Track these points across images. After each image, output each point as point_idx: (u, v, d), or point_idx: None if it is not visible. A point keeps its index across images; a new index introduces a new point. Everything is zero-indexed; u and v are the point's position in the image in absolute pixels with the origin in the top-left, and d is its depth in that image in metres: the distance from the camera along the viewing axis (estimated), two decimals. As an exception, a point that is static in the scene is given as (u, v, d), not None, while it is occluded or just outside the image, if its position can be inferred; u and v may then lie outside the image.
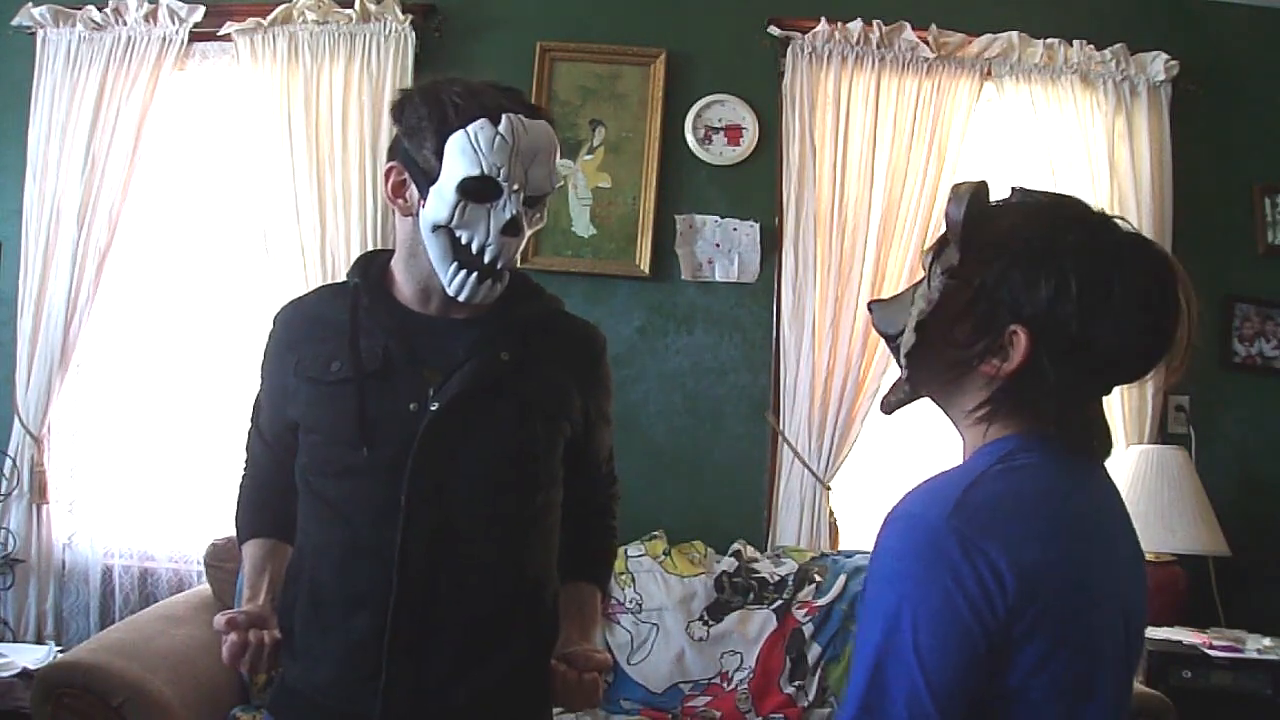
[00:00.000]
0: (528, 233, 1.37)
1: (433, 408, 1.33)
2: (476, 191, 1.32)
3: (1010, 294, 0.97)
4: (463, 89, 1.33)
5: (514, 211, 1.33)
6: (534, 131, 1.33)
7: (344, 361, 1.37)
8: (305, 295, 1.56)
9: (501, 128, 1.30)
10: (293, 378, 1.42)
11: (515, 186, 1.32)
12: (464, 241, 1.34)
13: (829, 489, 3.03)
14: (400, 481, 1.31)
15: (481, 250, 1.33)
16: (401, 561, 1.31)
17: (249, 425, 1.54)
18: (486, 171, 1.30)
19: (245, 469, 1.55)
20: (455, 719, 1.35)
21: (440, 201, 1.32)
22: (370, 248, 3.01)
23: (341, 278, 2.81)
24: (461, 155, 1.30)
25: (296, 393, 1.41)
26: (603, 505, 1.59)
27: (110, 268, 3.10)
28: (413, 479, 1.32)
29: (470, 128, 1.30)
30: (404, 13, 3.07)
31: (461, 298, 1.36)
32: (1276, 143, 3.29)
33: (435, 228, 1.34)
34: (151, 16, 3.11)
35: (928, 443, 3.17)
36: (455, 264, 1.35)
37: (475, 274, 1.34)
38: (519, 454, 1.38)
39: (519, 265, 1.51)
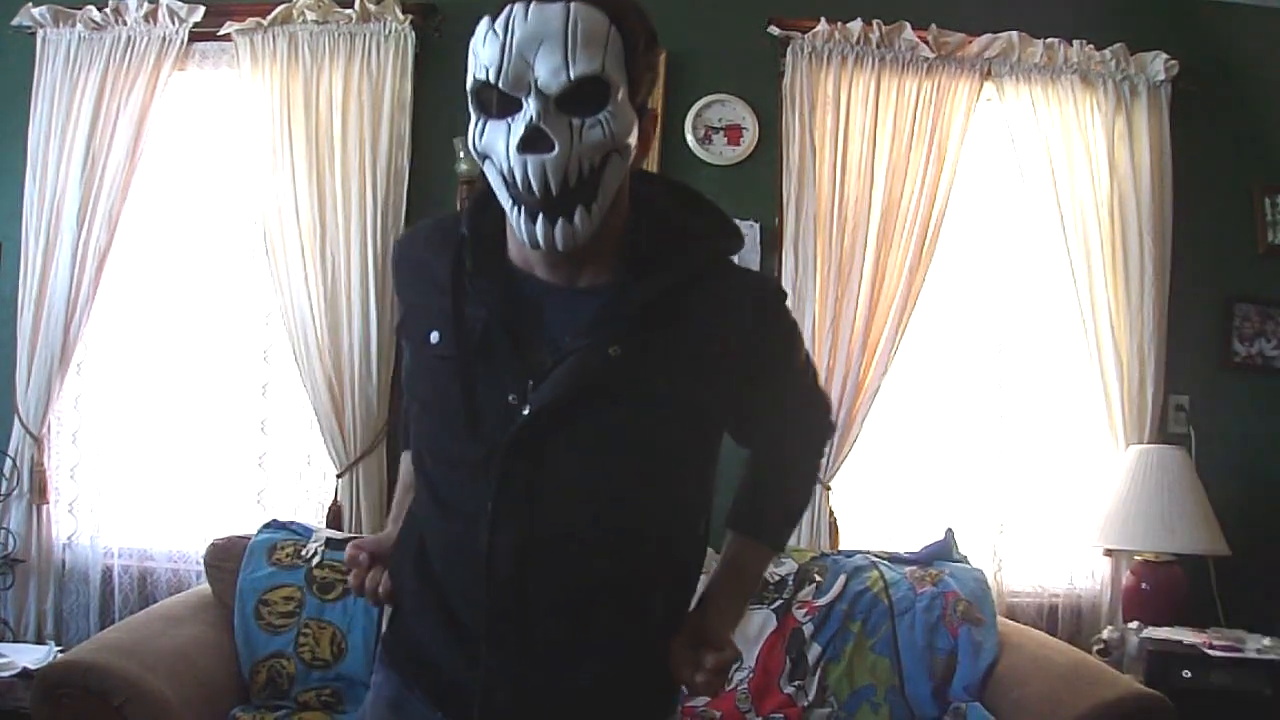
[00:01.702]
0: (578, 144, 1.08)
1: (524, 411, 1.13)
2: (485, 103, 1.11)
3: None
4: None
5: (529, 119, 1.06)
6: (538, 15, 1.07)
7: (443, 333, 1.18)
8: (421, 225, 1.33)
9: (497, 22, 1.09)
10: (402, 322, 1.28)
11: (520, 89, 1.07)
12: (501, 170, 1.10)
13: (829, 489, 3.03)
14: (489, 486, 1.14)
15: (514, 177, 1.09)
16: (489, 570, 1.14)
17: None
18: (477, 76, 1.10)
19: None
20: (556, 714, 1.21)
21: (470, 128, 1.13)
22: (370, 248, 3.01)
23: (342, 279, 2.72)
24: (470, 63, 1.11)
25: (404, 348, 1.28)
26: (793, 455, 1.38)
27: (110, 268, 3.09)
28: (502, 484, 1.13)
29: (476, 31, 1.11)
30: (404, 13, 3.07)
31: (528, 243, 1.12)
32: (1276, 143, 3.29)
33: (479, 157, 1.13)
34: (151, 16, 3.11)
35: (928, 443, 3.18)
36: (510, 200, 1.11)
37: (524, 210, 1.09)
38: (631, 465, 1.16)
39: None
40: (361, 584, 1.27)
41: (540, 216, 1.09)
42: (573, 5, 1.07)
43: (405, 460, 1.37)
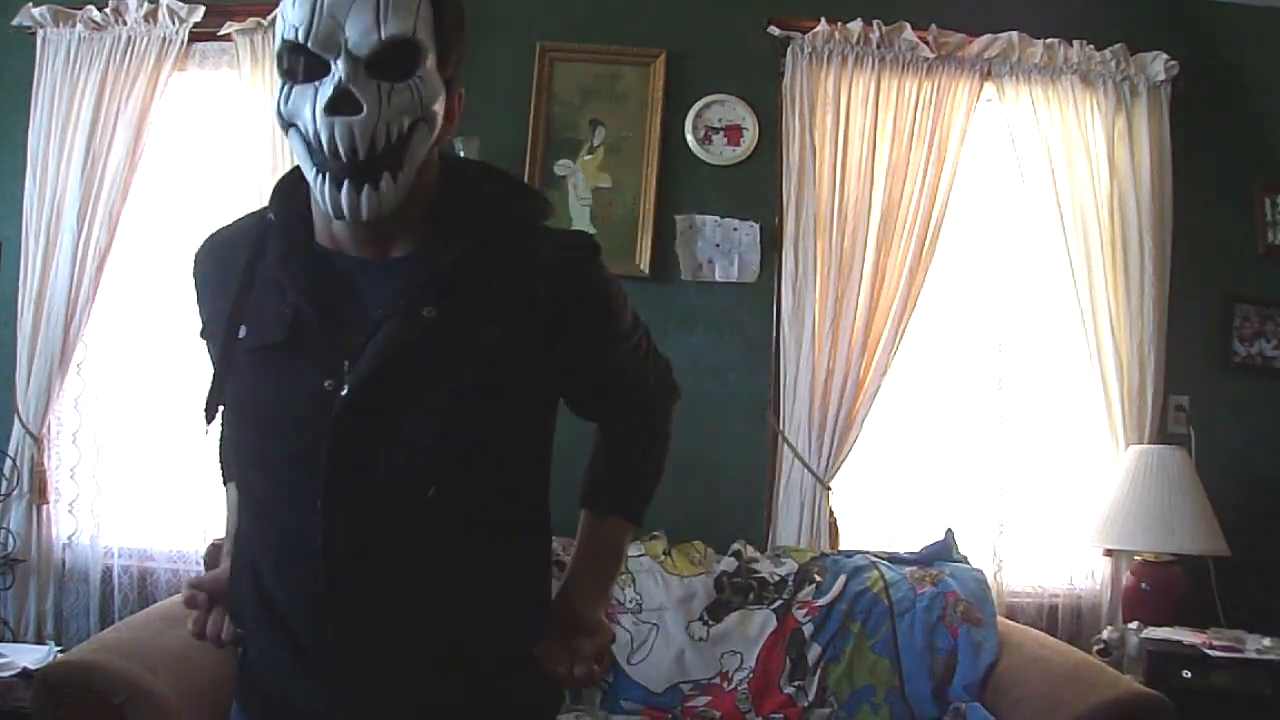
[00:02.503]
0: (385, 109, 1.04)
1: (343, 391, 1.07)
2: (293, 66, 1.06)
3: None
4: None
5: (337, 80, 1.03)
6: None
7: (250, 325, 1.12)
8: (225, 227, 1.25)
9: None
10: (203, 335, 1.20)
11: (330, 50, 1.03)
12: (306, 135, 1.06)
13: (829, 489, 3.03)
14: (316, 480, 1.07)
15: (320, 142, 1.04)
16: (327, 567, 1.08)
17: None
18: (286, 36, 1.05)
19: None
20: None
21: (275, 92, 1.08)
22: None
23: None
24: (278, 25, 1.07)
25: (206, 354, 1.20)
26: (638, 423, 1.34)
27: (110, 268, 3.09)
28: (329, 474, 1.07)
29: None
30: (404, 13, 3.07)
31: (332, 212, 1.07)
32: (1276, 143, 3.29)
33: (284, 125, 1.09)
34: (151, 16, 3.11)
35: (928, 443, 3.18)
36: (315, 169, 1.06)
37: (329, 176, 1.05)
38: (456, 439, 1.09)
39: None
40: (203, 629, 1.19)
41: (346, 183, 1.05)
42: None
43: (230, 491, 1.32)
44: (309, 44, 1.04)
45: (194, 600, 1.19)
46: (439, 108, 1.10)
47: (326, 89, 1.03)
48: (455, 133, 1.20)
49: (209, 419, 1.17)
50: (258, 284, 1.13)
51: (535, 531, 1.23)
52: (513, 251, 1.14)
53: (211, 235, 1.25)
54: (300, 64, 1.06)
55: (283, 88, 1.07)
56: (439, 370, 1.09)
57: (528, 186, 1.27)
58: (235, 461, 1.22)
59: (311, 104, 1.04)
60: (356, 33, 1.03)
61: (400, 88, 1.05)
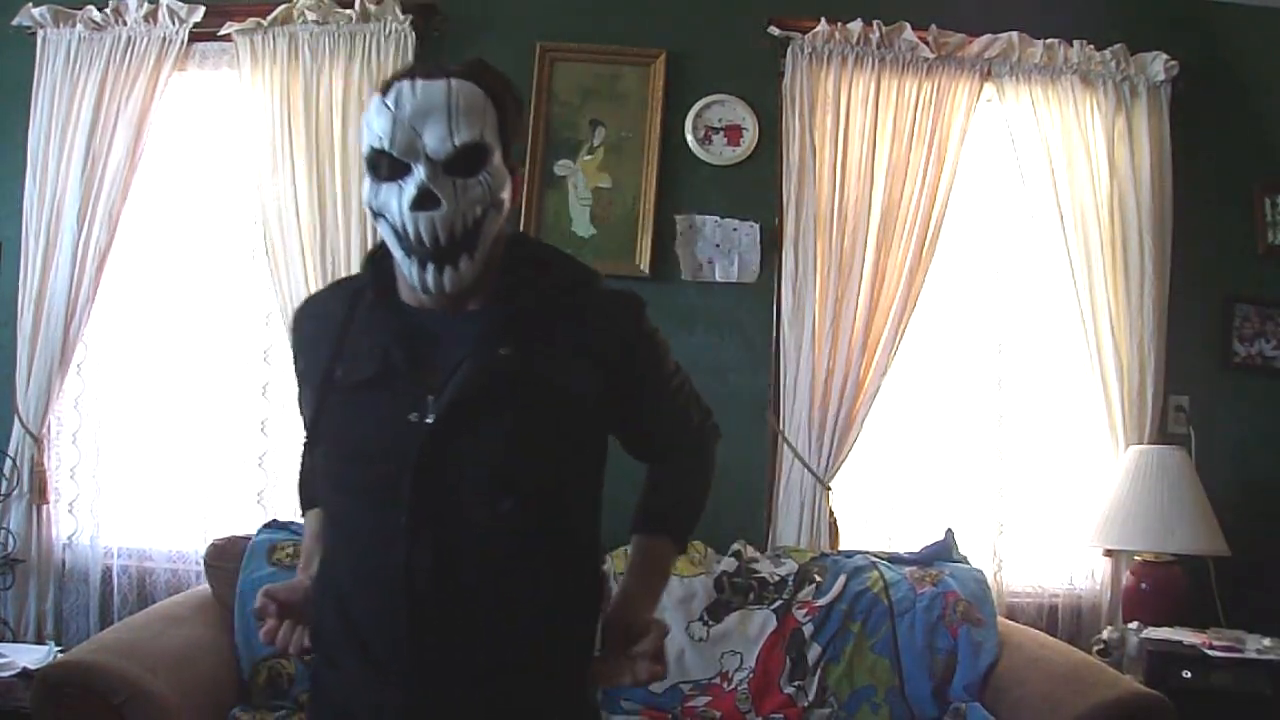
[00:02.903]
0: (462, 201, 1.23)
1: (429, 419, 1.22)
2: (378, 168, 1.25)
3: None
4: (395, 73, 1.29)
5: (419, 182, 1.21)
6: (424, 92, 1.23)
7: (345, 366, 1.29)
8: (319, 292, 1.49)
9: (388, 97, 1.24)
10: (299, 378, 1.39)
11: (410, 155, 1.22)
12: (394, 226, 1.24)
13: (829, 489, 3.03)
14: (401, 503, 1.21)
15: (406, 232, 1.23)
16: (408, 584, 1.21)
17: None
18: (373, 144, 1.24)
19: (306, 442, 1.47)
20: None
21: (365, 187, 1.28)
22: (370, 248, 3.00)
23: (341, 277, 2.59)
24: (364, 133, 1.26)
25: (303, 398, 1.38)
26: (683, 461, 1.48)
27: (110, 268, 3.09)
28: (413, 500, 1.21)
29: (368, 106, 1.27)
30: (404, 13, 3.07)
31: (419, 289, 1.25)
32: (1276, 143, 3.29)
33: (373, 214, 1.27)
34: (151, 17, 3.11)
35: (927, 443, 3.18)
36: (402, 252, 1.25)
37: (415, 260, 1.24)
38: (530, 459, 1.25)
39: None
40: (273, 637, 1.28)
41: (430, 265, 1.23)
42: (453, 82, 1.24)
43: (310, 518, 1.46)
44: (393, 151, 1.22)
45: (265, 610, 1.29)
46: (505, 194, 1.29)
47: (410, 188, 1.22)
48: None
49: (311, 448, 1.37)
50: (352, 333, 1.30)
51: (589, 551, 1.38)
52: (572, 303, 1.32)
53: (309, 299, 1.47)
54: (385, 165, 1.24)
55: (371, 184, 1.26)
56: (510, 403, 1.24)
57: (577, 258, 1.44)
58: (324, 489, 1.35)
59: (398, 200, 1.23)
60: (434, 140, 1.22)
61: (472, 182, 1.24)
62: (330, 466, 1.33)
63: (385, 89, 1.25)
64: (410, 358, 1.26)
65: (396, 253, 1.26)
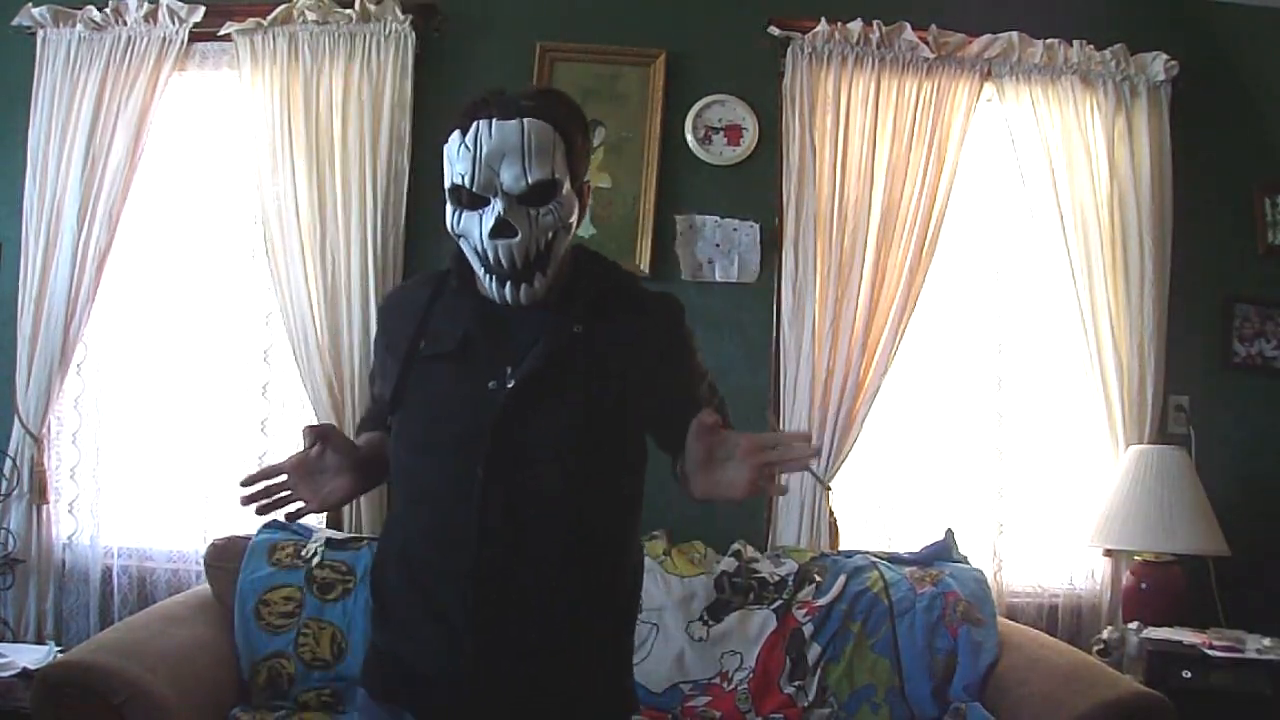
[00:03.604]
0: (535, 229, 1.39)
1: (509, 385, 1.39)
2: (460, 199, 1.41)
3: None
4: (467, 103, 1.42)
5: (497, 214, 1.37)
6: (500, 133, 1.37)
7: (429, 341, 1.46)
8: (404, 284, 1.72)
9: (468, 137, 1.38)
10: (384, 353, 1.54)
11: (489, 190, 1.38)
12: (476, 249, 1.41)
13: (829, 489, 3.03)
14: (478, 459, 1.36)
15: (486, 256, 1.40)
16: (481, 538, 1.36)
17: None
18: (454, 180, 1.40)
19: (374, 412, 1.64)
20: (540, 689, 1.40)
21: (448, 210, 1.43)
22: (370, 248, 3.01)
23: (342, 279, 2.94)
24: (446, 167, 1.42)
25: (386, 370, 1.52)
26: None
27: (110, 268, 3.09)
28: (490, 456, 1.36)
29: (449, 140, 1.41)
30: (404, 13, 3.07)
31: (498, 300, 1.42)
32: (1276, 143, 3.29)
33: (456, 236, 1.44)
34: (151, 17, 3.11)
35: (928, 443, 3.18)
36: (483, 269, 1.42)
37: (495, 278, 1.41)
38: (594, 425, 1.41)
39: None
40: (305, 456, 1.42)
41: (508, 283, 1.41)
42: (526, 121, 1.38)
43: (364, 436, 1.61)
44: (473, 188, 1.39)
45: (314, 432, 1.42)
46: (574, 218, 1.45)
47: (489, 219, 1.38)
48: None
49: (393, 410, 1.49)
50: (435, 314, 1.49)
51: (631, 541, 1.53)
52: (629, 296, 1.52)
53: (397, 288, 1.67)
54: (465, 196, 1.40)
55: (454, 212, 1.42)
56: (579, 376, 1.41)
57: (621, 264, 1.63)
58: (404, 449, 1.48)
59: (479, 228, 1.40)
60: (509, 178, 1.38)
61: (544, 211, 1.40)
62: (410, 429, 1.47)
63: (465, 124, 1.39)
64: (488, 336, 1.44)
65: (478, 269, 1.43)
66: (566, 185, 1.42)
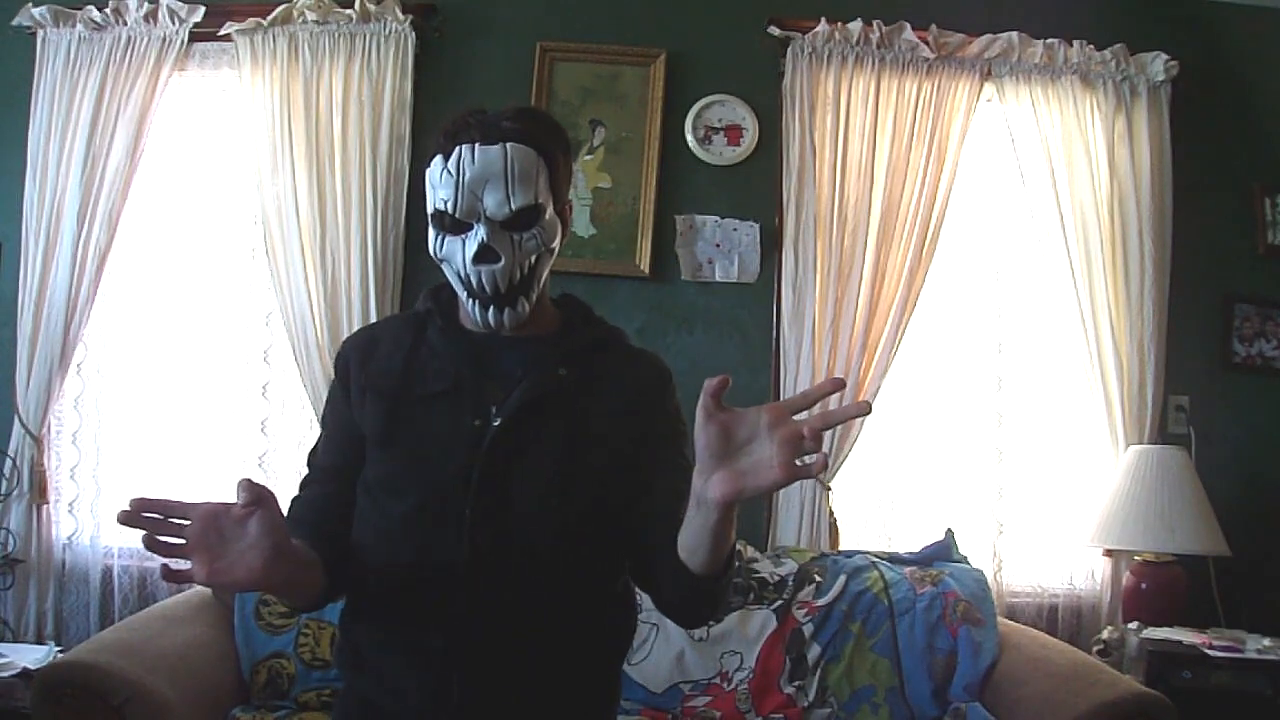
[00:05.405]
0: (518, 254, 1.37)
1: (495, 423, 1.37)
2: (443, 224, 1.39)
3: None
4: (448, 124, 1.39)
5: (480, 239, 1.36)
6: (483, 159, 1.35)
7: (413, 381, 1.42)
8: (374, 323, 1.64)
9: (450, 162, 1.36)
10: (364, 394, 1.44)
11: (472, 216, 1.36)
12: (458, 274, 1.39)
13: (829, 489, 3.03)
14: (465, 497, 1.34)
15: (470, 281, 1.38)
16: (468, 576, 1.33)
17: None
18: (437, 206, 1.38)
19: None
20: None
21: (430, 235, 1.42)
22: (370, 247, 3.02)
23: (342, 279, 2.91)
24: (428, 192, 1.40)
25: (364, 408, 1.44)
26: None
27: (110, 268, 3.09)
28: (477, 494, 1.34)
29: (432, 165, 1.39)
30: (404, 13, 3.07)
31: (481, 326, 1.41)
32: (1276, 143, 3.29)
33: (438, 261, 1.42)
34: (151, 17, 3.11)
35: (928, 443, 3.18)
36: (465, 293, 1.40)
37: (478, 302, 1.39)
38: (572, 473, 1.38)
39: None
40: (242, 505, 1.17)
41: (491, 308, 1.39)
42: (509, 146, 1.36)
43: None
44: (456, 214, 1.37)
45: (252, 491, 1.17)
46: (557, 242, 1.44)
47: (472, 245, 1.37)
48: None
49: (385, 448, 1.42)
50: (421, 355, 1.45)
51: (623, 590, 1.49)
52: (616, 351, 1.50)
53: (356, 332, 1.57)
54: (448, 222, 1.38)
55: (436, 237, 1.40)
56: (564, 416, 1.39)
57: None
58: (377, 493, 1.41)
59: (461, 253, 1.38)
60: (493, 204, 1.36)
61: (528, 236, 1.38)
62: (391, 469, 1.41)
63: (448, 148, 1.36)
64: (476, 375, 1.41)
65: (460, 294, 1.42)
66: (550, 209, 1.40)
